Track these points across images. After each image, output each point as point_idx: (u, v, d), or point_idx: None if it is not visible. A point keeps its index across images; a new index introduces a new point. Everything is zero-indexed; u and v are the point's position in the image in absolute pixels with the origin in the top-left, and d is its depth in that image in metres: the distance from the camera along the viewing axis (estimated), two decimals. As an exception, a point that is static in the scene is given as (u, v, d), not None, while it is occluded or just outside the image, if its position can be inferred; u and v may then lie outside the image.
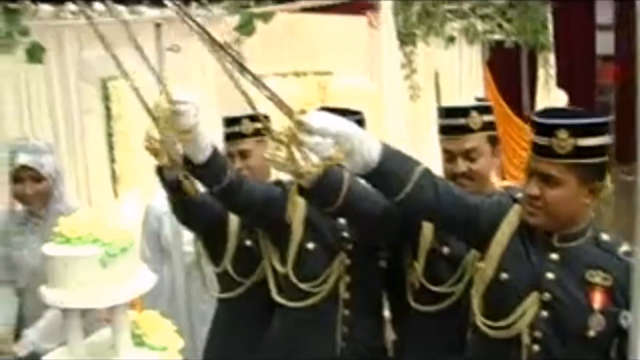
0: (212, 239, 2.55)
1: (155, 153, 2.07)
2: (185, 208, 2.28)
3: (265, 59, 4.39)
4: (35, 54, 3.67)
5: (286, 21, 4.65)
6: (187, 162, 2.06)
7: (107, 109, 5.57)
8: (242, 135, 2.54)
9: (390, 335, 2.49)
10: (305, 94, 4.90)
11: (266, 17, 4.27)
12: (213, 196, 2.18)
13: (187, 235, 2.84)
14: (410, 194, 1.77)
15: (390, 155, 1.73)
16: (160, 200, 2.84)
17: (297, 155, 1.64)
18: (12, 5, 3.59)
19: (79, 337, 1.76)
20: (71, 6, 4.12)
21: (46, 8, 4.08)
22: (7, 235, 2.63)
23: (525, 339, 1.84)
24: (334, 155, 1.61)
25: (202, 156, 2.04)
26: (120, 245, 1.70)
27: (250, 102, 1.78)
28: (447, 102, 4.24)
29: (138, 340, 1.85)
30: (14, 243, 2.62)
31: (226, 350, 2.56)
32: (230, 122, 2.56)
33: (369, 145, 1.67)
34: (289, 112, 1.60)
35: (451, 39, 5.69)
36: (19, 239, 2.62)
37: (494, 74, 6.22)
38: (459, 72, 5.92)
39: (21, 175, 2.54)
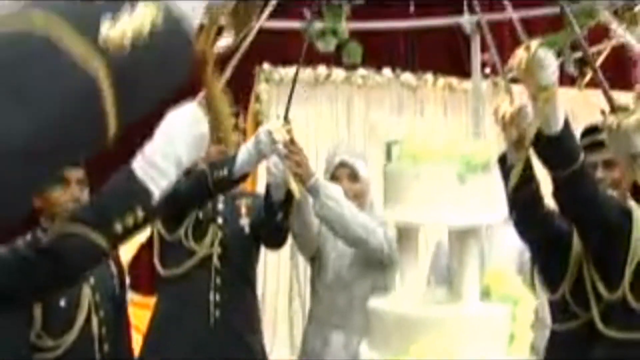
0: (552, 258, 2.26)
1: (503, 126, 1.90)
2: (525, 206, 2.01)
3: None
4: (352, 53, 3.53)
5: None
6: (535, 138, 1.85)
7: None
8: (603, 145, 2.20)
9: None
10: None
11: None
12: (555, 184, 1.94)
13: None
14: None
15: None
16: None
17: None
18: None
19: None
20: (362, 71, 4.42)
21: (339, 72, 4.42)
22: None
23: None
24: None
25: (555, 126, 1.83)
26: (481, 160, 1.59)
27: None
28: None
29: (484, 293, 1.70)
30: None
31: None
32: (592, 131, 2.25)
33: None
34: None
35: None
36: None
37: None
38: None
39: (339, 174, 2.53)
